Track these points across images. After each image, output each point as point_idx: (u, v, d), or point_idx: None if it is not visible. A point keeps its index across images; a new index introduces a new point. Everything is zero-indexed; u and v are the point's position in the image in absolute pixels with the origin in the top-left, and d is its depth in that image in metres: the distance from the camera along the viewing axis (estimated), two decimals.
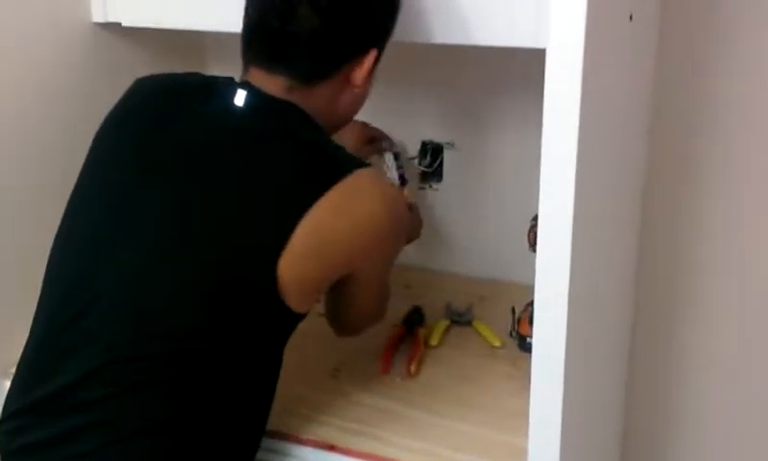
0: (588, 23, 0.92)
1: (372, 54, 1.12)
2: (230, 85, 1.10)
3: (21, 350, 1.29)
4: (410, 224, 1.34)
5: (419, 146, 1.62)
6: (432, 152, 1.59)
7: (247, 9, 1.12)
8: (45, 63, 1.44)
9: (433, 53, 1.21)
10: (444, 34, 1.19)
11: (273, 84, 1.09)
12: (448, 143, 1.59)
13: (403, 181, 1.58)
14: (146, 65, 1.57)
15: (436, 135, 1.60)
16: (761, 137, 1.45)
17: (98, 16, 1.50)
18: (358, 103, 1.19)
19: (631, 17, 1.21)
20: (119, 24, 1.50)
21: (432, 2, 1.19)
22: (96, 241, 1.08)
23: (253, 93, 1.08)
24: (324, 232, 1.02)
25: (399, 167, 1.56)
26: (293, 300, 1.04)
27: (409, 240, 1.41)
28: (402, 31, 1.19)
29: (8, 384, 1.34)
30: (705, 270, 1.57)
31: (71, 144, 1.41)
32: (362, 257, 1.09)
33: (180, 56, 1.72)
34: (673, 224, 1.56)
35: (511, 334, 1.44)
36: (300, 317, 1.10)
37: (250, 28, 1.12)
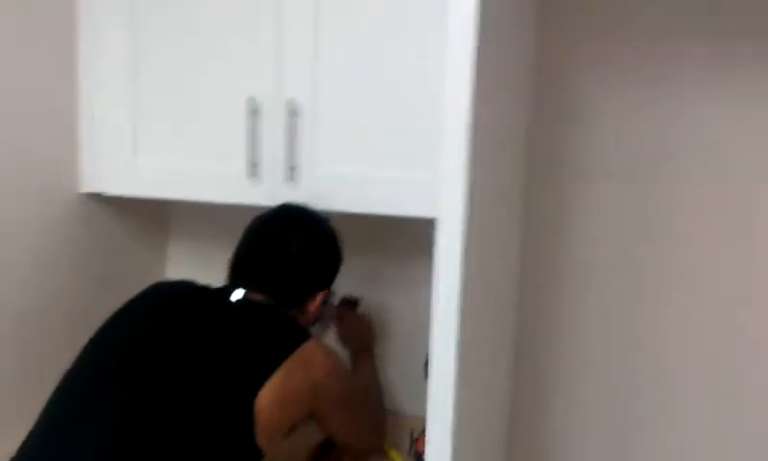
0: (467, 198, 1.14)
1: (323, 292, 1.53)
2: (228, 287, 1.47)
3: None
4: (367, 335, 1.76)
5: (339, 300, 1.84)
6: (351, 304, 1.82)
7: (239, 247, 1.50)
8: (41, 231, 1.68)
9: (350, 225, 1.52)
10: (358, 205, 1.51)
11: (257, 297, 1.45)
12: (360, 298, 1.85)
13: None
14: (122, 227, 1.89)
15: (352, 291, 1.87)
16: (598, 282, 1.78)
17: (85, 188, 1.76)
18: (312, 320, 1.57)
19: (500, 196, 1.47)
20: (101, 194, 1.76)
21: (351, 180, 1.50)
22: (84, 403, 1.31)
23: (246, 296, 1.44)
24: (286, 385, 1.32)
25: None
26: (262, 436, 1.30)
27: (366, 346, 1.76)
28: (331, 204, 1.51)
29: None
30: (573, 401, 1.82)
31: (62, 298, 1.69)
32: (315, 399, 1.38)
33: (147, 219, 1.99)
34: (540, 358, 1.82)
35: (409, 453, 1.65)
36: (262, 458, 1.33)
37: (238, 261, 1.50)
